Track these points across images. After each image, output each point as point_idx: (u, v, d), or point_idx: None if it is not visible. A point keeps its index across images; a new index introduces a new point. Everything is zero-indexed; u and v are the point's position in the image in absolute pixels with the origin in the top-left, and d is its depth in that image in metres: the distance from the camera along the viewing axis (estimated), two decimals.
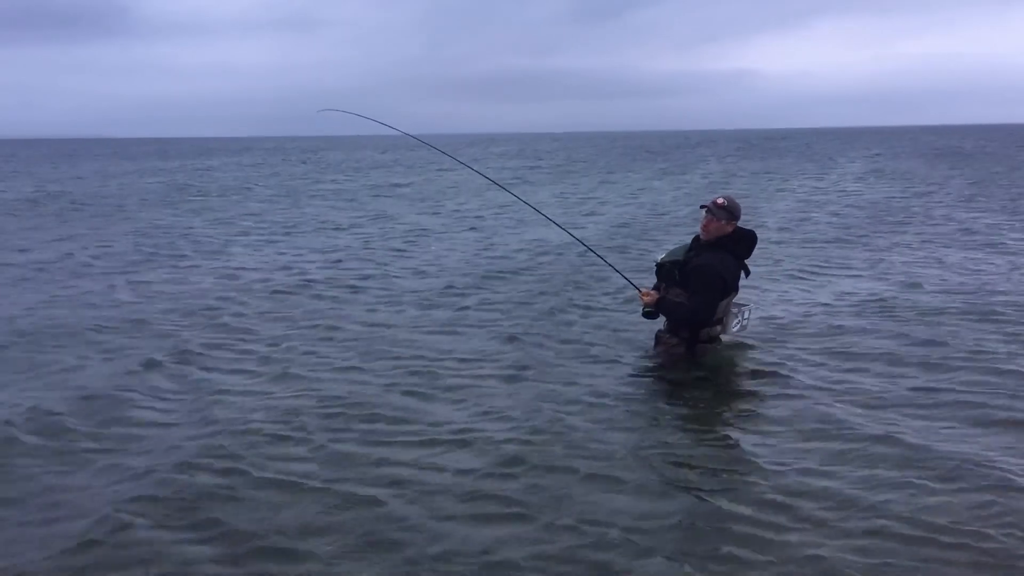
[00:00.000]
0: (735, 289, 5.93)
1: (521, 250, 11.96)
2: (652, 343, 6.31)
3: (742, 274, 5.97)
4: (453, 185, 25.85)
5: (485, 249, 12.21)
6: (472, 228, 14.88)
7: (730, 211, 5.81)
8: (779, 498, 3.88)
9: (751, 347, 6.36)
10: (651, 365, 6.07)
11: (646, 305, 5.91)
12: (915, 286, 8.79)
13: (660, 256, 6.14)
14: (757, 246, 5.99)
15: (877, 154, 45.27)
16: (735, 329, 6.16)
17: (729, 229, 5.80)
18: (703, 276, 5.68)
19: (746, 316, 6.26)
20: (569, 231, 7.77)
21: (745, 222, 6.09)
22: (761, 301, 7.92)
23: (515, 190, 11.27)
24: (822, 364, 5.99)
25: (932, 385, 5.47)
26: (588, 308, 8.03)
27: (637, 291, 6.11)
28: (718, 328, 6.02)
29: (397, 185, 27.20)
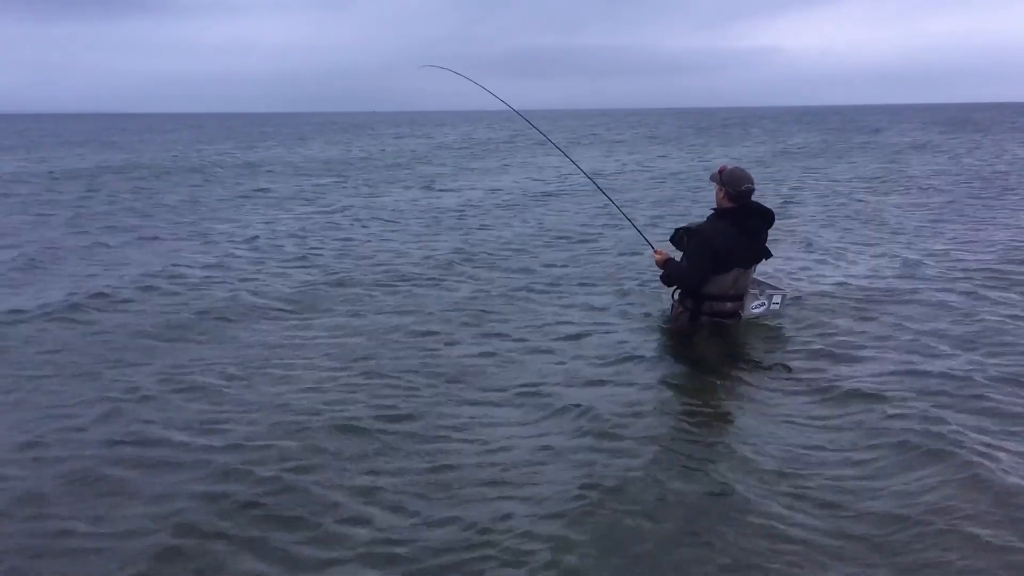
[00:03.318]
0: (741, 265, 5.63)
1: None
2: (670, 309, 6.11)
3: (763, 258, 5.72)
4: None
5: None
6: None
7: (721, 177, 5.61)
8: (773, 469, 3.63)
9: (769, 327, 5.96)
10: (656, 334, 5.90)
11: (656, 263, 5.83)
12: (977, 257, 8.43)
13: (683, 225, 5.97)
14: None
15: (931, 129, 44.55)
16: (757, 311, 5.85)
17: (725, 198, 5.59)
18: (692, 242, 5.61)
19: (776, 301, 5.91)
20: (604, 191, 7.71)
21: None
22: (811, 274, 7.61)
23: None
24: (845, 345, 5.60)
25: (967, 364, 5.09)
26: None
27: (652, 250, 5.99)
28: (729, 305, 5.72)
29: None
